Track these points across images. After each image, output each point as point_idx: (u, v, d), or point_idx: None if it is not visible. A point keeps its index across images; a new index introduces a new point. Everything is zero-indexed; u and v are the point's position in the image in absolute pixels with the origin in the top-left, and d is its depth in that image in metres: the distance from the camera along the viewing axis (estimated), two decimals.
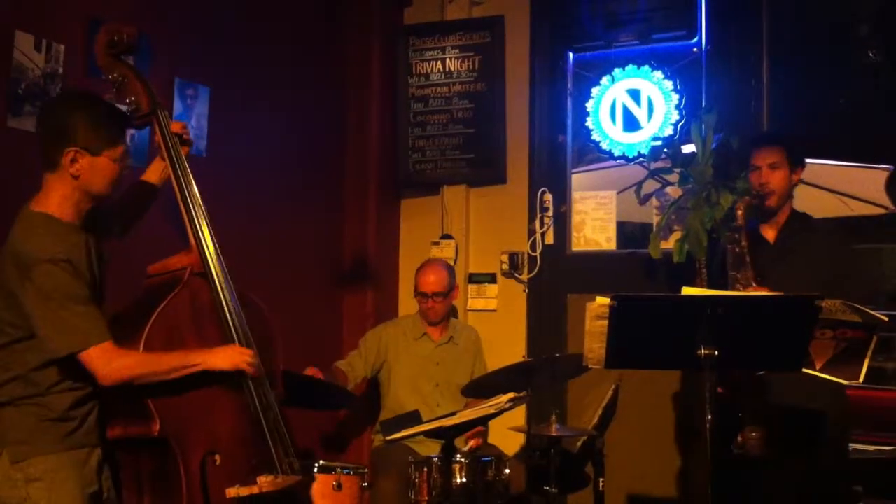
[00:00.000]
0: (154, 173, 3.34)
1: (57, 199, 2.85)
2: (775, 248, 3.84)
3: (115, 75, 3.13)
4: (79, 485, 2.80)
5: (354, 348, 4.94)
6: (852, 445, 3.91)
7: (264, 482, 3.03)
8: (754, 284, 3.64)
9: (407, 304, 5.53)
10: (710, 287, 4.23)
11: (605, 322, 3.02)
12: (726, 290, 3.71)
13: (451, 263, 5.45)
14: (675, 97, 5.08)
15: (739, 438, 3.54)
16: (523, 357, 5.06)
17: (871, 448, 3.97)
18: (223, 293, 3.13)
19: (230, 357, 3.03)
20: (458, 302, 5.36)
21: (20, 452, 2.75)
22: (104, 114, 2.91)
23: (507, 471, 4.06)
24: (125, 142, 2.95)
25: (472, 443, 4.42)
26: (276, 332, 3.40)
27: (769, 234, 3.89)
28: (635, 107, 5.17)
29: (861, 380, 3.27)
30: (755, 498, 3.71)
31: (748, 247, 3.70)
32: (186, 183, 3.18)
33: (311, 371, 4.38)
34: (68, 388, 2.82)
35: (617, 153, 5.22)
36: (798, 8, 5.05)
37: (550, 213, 5.43)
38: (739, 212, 3.78)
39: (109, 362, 2.77)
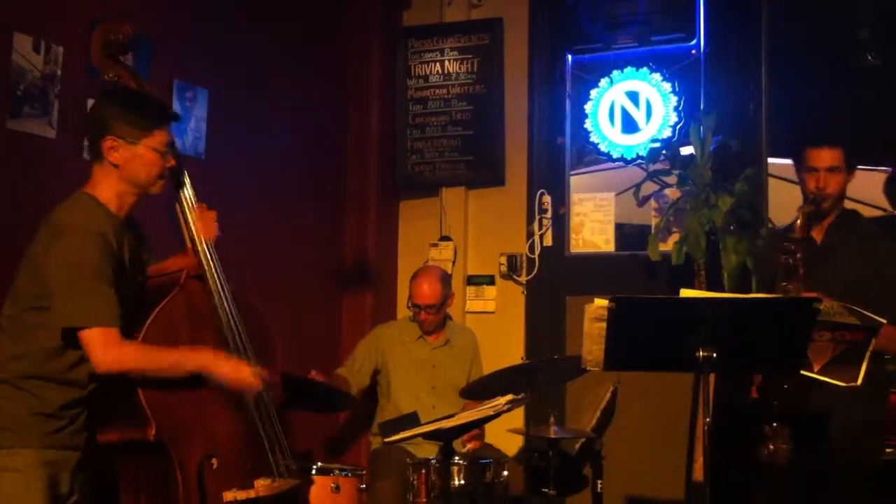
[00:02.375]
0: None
1: (102, 187, 2.90)
2: (821, 249, 3.69)
3: (110, 75, 3.14)
4: (50, 484, 2.77)
5: (353, 350, 4.93)
6: None
7: (262, 486, 3.03)
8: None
9: (405, 305, 5.53)
10: (709, 289, 4.23)
11: (604, 324, 3.01)
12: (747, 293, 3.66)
13: (450, 265, 5.46)
14: (674, 99, 5.09)
15: (771, 446, 3.47)
16: (522, 359, 5.06)
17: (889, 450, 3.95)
18: (220, 296, 3.13)
19: (241, 373, 2.98)
20: (457, 303, 5.36)
21: (4, 440, 2.74)
22: (139, 103, 2.97)
23: (506, 472, 4.05)
24: (165, 132, 2.95)
25: (470, 445, 4.41)
26: (274, 335, 3.39)
27: (817, 234, 3.72)
28: (634, 109, 5.18)
29: (859, 382, 3.26)
30: (776, 501, 3.69)
31: (803, 258, 3.52)
32: (182, 183, 3.18)
33: (312, 374, 4.37)
34: (73, 379, 2.81)
35: (615, 155, 5.23)
36: (797, 10, 5.05)
37: (549, 214, 5.44)
38: (799, 222, 3.55)
39: (109, 349, 2.75)
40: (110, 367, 2.78)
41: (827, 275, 3.57)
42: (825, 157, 3.62)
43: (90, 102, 3.80)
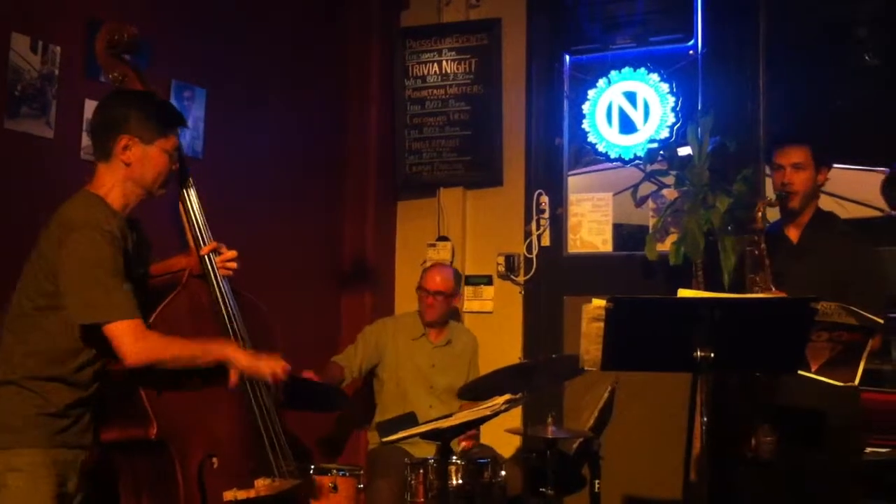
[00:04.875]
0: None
1: (108, 186, 2.90)
2: (796, 248, 3.79)
3: (115, 74, 3.12)
4: (56, 483, 2.77)
5: (356, 339, 4.94)
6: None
7: (262, 486, 3.03)
8: (773, 288, 3.59)
9: (403, 304, 5.54)
10: (707, 289, 4.24)
11: (602, 324, 3.02)
12: (742, 291, 3.69)
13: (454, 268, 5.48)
14: (672, 99, 5.09)
15: (753, 441, 3.51)
16: (520, 359, 5.07)
17: (868, 450, 3.97)
18: (222, 296, 3.13)
19: (260, 363, 3.01)
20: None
21: (8, 440, 2.74)
22: (157, 106, 2.99)
23: (504, 473, 4.06)
24: (177, 136, 2.99)
25: (464, 444, 4.42)
26: (275, 334, 3.39)
27: (792, 234, 3.83)
28: (632, 109, 5.18)
29: (856, 382, 3.27)
30: (762, 499, 3.70)
31: (767, 249, 3.64)
32: (187, 185, 3.19)
33: (307, 374, 4.38)
34: (76, 379, 2.81)
35: (613, 155, 5.23)
36: (794, 10, 5.05)
37: (547, 215, 5.44)
38: (759, 214, 3.70)
39: (137, 340, 2.76)
40: (141, 359, 2.78)
41: (802, 274, 3.63)
42: (790, 154, 3.76)
43: (87, 102, 3.82)
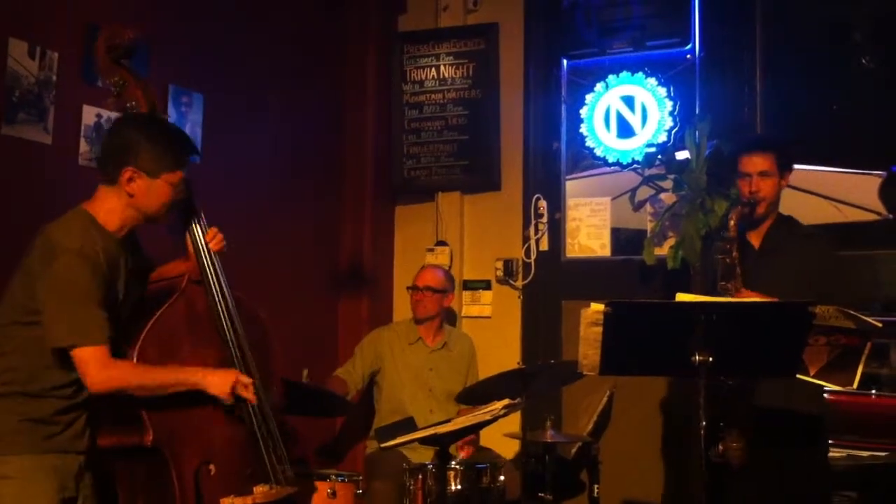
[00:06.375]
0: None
1: (106, 208, 2.88)
2: (759, 253, 3.82)
3: (114, 79, 3.10)
4: (52, 488, 2.76)
5: (350, 354, 4.95)
6: (847, 451, 3.91)
7: (259, 493, 3.01)
8: (744, 291, 3.62)
9: (402, 310, 5.53)
10: (701, 294, 4.24)
11: (600, 328, 3.02)
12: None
13: (446, 270, 5.48)
14: (669, 104, 5.08)
15: (721, 447, 3.51)
16: (518, 364, 5.05)
17: (865, 454, 3.97)
18: (220, 301, 3.12)
19: (227, 383, 2.98)
20: (454, 308, 5.36)
21: None
22: (169, 139, 2.95)
23: (502, 477, 4.05)
24: (185, 167, 2.96)
25: (462, 454, 4.41)
26: (274, 339, 3.38)
27: (754, 239, 3.86)
28: (629, 113, 5.18)
29: (855, 386, 3.27)
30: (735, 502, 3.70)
31: (739, 257, 3.67)
32: (196, 220, 3.17)
33: (305, 375, 4.39)
34: (61, 394, 2.79)
35: (611, 160, 5.22)
36: (791, 14, 5.06)
37: (545, 219, 5.43)
38: (732, 222, 3.72)
39: (102, 368, 2.75)
40: (103, 387, 2.77)
41: (767, 278, 3.66)
42: (756, 162, 3.78)
43: (85, 108, 3.83)
